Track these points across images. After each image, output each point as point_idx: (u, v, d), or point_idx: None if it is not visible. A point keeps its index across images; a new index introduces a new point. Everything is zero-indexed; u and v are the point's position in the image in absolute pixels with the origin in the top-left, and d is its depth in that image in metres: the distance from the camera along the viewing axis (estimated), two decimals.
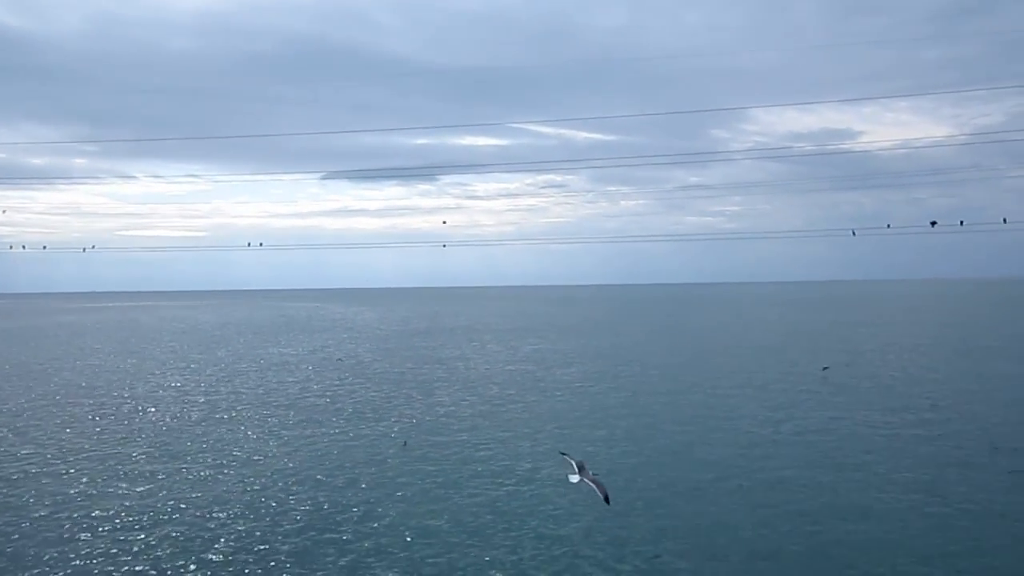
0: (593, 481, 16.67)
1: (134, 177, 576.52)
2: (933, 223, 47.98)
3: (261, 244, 59.52)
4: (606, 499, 16.40)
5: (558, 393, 42.35)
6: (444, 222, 78.15)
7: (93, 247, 61.47)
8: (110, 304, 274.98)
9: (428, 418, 35.33)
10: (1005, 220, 65.89)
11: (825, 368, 44.85)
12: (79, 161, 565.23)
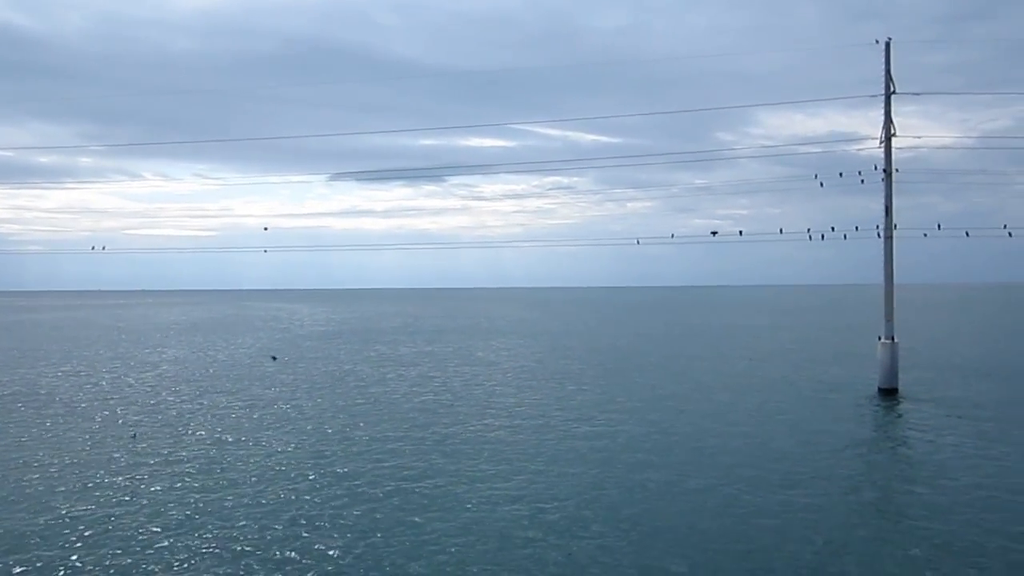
0: None
1: (141, 176, 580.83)
2: (714, 233, 46.51)
3: (104, 248, 58.50)
4: None
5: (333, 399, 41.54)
6: (266, 228, 75.61)
7: (103, 248, 60.11)
8: (98, 303, 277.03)
9: (171, 414, 34.66)
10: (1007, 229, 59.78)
11: (274, 358, 48.03)
12: (85, 160, 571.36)
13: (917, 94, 40.78)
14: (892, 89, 39.04)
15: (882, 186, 38.98)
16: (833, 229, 41.94)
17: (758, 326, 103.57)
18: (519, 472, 24.36)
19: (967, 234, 40.98)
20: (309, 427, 32.47)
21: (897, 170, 39.26)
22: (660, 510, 20.33)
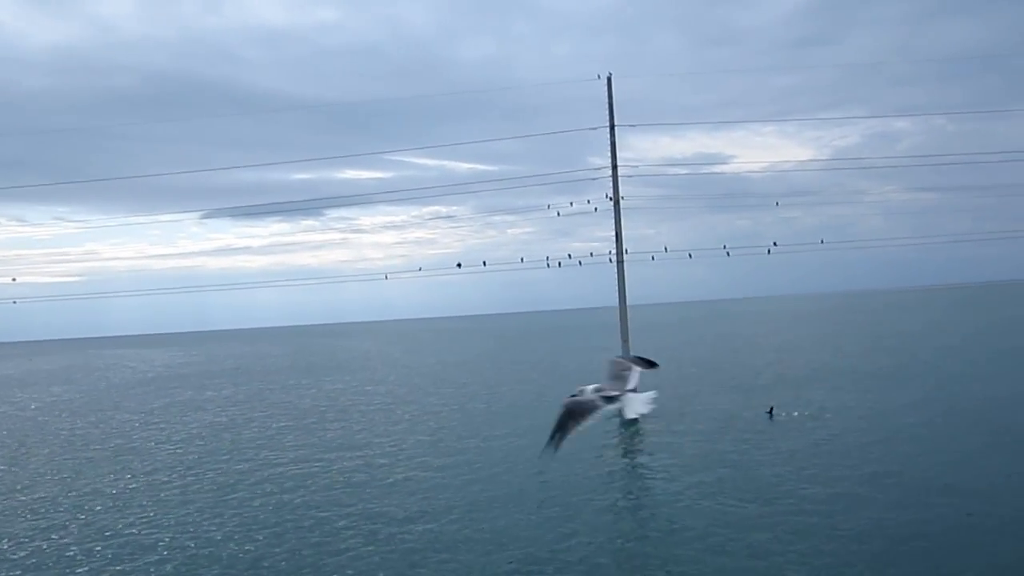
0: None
1: None
2: (459, 265, 49.09)
3: None
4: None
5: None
6: (13, 279, 63.19)
7: None
8: None
9: None
10: (823, 241, 63.34)
11: None
12: None
13: (633, 126, 43.79)
14: (614, 121, 41.77)
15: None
16: (570, 256, 44.31)
17: (570, 348, 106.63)
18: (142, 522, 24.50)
19: (690, 255, 44.03)
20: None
21: (623, 198, 41.85)
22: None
